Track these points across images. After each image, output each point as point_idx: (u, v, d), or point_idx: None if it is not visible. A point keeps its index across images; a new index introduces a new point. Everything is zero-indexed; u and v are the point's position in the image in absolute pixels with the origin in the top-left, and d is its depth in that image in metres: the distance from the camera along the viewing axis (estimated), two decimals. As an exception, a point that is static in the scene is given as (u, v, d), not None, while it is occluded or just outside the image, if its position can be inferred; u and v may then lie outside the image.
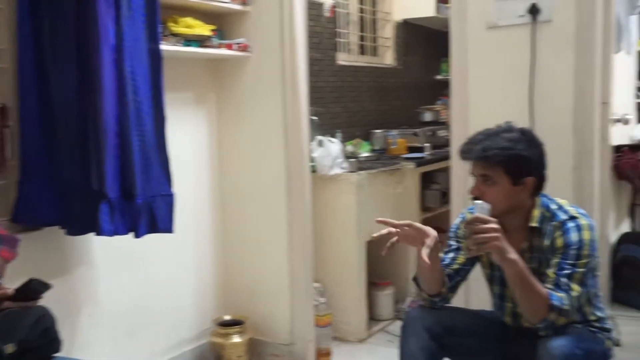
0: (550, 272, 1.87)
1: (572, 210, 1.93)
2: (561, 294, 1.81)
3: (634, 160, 3.84)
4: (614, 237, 3.88)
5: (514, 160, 1.89)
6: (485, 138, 1.93)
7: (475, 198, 1.94)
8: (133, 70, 2.27)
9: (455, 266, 2.07)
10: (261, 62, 3.01)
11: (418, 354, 1.94)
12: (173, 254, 2.93)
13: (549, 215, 1.95)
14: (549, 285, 1.85)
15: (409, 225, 1.92)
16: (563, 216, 1.92)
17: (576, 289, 1.83)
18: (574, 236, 1.86)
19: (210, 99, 3.14)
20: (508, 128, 1.97)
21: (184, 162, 2.91)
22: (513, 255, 1.79)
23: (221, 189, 3.20)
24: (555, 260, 1.88)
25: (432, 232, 1.92)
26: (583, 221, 1.90)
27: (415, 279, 2.07)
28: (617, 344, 3.07)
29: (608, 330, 2.03)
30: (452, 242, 2.12)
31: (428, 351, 1.94)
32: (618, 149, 3.85)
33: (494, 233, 1.76)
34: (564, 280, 1.83)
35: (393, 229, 1.92)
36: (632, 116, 4.09)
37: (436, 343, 1.95)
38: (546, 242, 1.93)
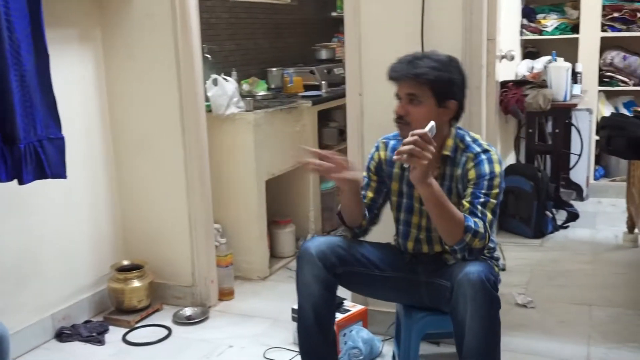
0: (465, 201, 1.95)
1: (485, 144, 2.03)
2: (476, 219, 1.90)
3: (518, 95, 4.04)
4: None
5: (442, 81, 1.95)
6: (415, 59, 1.97)
7: (399, 117, 1.98)
8: (7, 6, 2.11)
9: (368, 202, 2.14)
10: (149, -3, 2.88)
11: (312, 282, 1.99)
12: (64, 200, 2.83)
13: (462, 147, 2.02)
14: (465, 213, 1.92)
15: (328, 158, 1.97)
16: (477, 148, 2.00)
17: (489, 216, 1.92)
18: (486, 167, 1.95)
19: (96, 36, 2.98)
20: (436, 52, 2.02)
21: (70, 104, 2.77)
22: (432, 180, 1.85)
23: (112, 131, 3.08)
24: (469, 191, 1.96)
25: (356, 175, 1.99)
26: (494, 155, 1.99)
27: (339, 214, 2.13)
28: (503, 269, 3.31)
29: (497, 259, 2.16)
30: (365, 178, 2.17)
31: (322, 280, 2.00)
32: (503, 84, 4.03)
33: (428, 153, 1.77)
34: (479, 207, 1.92)
35: (317, 161, 1.96)
36: (516, 53, 4.27)
37: (330, 272, 2.01)
38: (458, 171, 2.01)
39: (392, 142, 2.15)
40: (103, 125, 3.04)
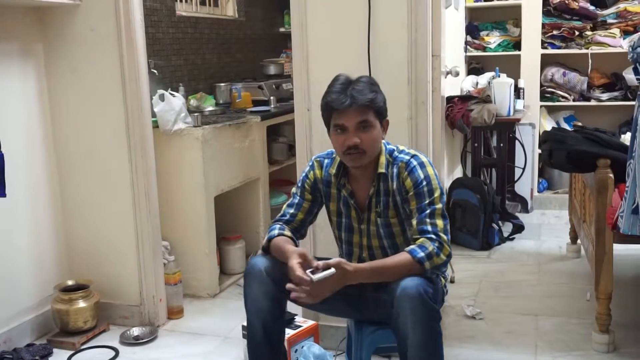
0: (413, 221, 1.96)
1: (412, 151, 2.06)
2: (423, 240, 1.90)
3: (464, 110, 4.12)
4: (447, 182, 4.18)
5: (382, 102, 2.00)
6: (348, 86, 1.96)
7: (354, 147, 1.96)
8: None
9: (296, 224, 2.12)
10: (92, 11, 2.83)
11: (261, 298, 1.98)
12: (4, 219, 2.74)
13: (391, 160, 2.05)
14: (415, 236, 1.94)
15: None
16: (406, 157, 2.03)
17: (440, 223, 1.93)
18: (420, 173, 1.98)
19: (38, 50, 2.91)
20: (357, 77, 2.02)
21: (10, 120, 2.69)
22: (352, 268, 1.88)
23: (55, 147, 3.01)
24: (413, 206, 1.97)
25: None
26: (423, 158, 2.03)
27: (267, 247, 2.07)
28: (451, 281, 3.35)
29: (444, 270, 2.18)
30: (296, 197, 2.15)
31: (271, 295, 1.98)
32: (449, 99, 4.11)
33: (311, 296, 1.85)
34: (428, 220, 1.93)
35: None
36: (461, 69, 4.37)
37: (278, 287, 1.99)
38: (394, 184, 2.03)
39: (326, 161, 2.15)
40: (45, 142, 2.97)
